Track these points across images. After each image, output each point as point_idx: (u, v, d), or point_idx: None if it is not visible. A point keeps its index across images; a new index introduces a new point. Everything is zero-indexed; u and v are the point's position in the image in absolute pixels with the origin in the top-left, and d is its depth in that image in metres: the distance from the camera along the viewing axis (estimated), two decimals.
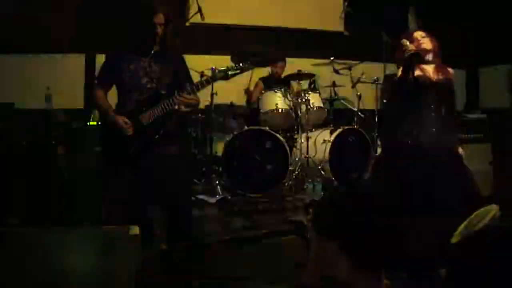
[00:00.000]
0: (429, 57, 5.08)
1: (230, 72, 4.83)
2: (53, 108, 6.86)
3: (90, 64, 8.37)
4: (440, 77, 4.98)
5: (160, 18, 4.68)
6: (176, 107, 4.69)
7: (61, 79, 7.95)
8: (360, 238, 2.08)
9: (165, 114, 4.72)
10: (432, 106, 4.93)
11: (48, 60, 8.11)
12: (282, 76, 8.46)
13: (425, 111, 4.91)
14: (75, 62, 8.34)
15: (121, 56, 4.83)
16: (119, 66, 4.80)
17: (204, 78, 4.90)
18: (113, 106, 4.89)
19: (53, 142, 6.05)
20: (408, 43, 4.88)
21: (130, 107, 4.77)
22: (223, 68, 4.85)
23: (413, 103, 4.90)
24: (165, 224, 4.93)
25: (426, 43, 5.08)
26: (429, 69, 5.00)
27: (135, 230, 3.75)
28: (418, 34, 5.17)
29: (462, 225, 4.72)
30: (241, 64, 4.89)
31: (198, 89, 4.79)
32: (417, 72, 4.95)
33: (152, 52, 4.81)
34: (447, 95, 5.05)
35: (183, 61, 5.09)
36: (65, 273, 3.45)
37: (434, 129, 4.89)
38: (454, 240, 4.66)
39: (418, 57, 4.78)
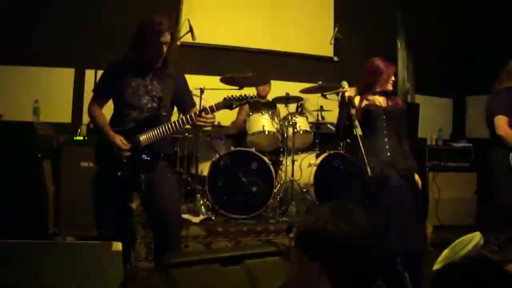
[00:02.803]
0: (384, 90, 5.29)
1: (235, 103, 4.81)
2: (40, 121, 6.84)
3: (79, 79, 8.36)
4: (390, 103, 5.16)
5: (167, 37, 4.62)
6: (177, 130, 4.68)
7: (50, 93, 7.95)
8: (342, 258, 2.10)
9: (165, 137, 4.71)
10: (385, 132, 5.06)
11: (37, 72, 8.09)
12: (270, 99, 8.48)
13: (377, 139, 5.05)
14: (64, 76, 8.33)
15: (123, 70, 4.75)
16: (120, 80, 4.72)
17: (211, 106, 4.82)
18: (108, 120, 4.85)
19: (39, 155, 6.03)
20: (346, 86, 5.11)
21: (128, 126, 4.71)
22: (228, 98, 4.82)
23: (366, 131, 5.01)
24: (148, 243, 4.91)
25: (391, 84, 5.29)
26: (380, 99, 5.18)
27: (118, 246, 3.75)
28: (392, 71, 5.35)
29: (445, 252, 4.76)
30: (246, 95, 4.85)
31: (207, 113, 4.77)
32: (365, 102, 5.12)
33: (154, 69, 4.79)
34: (398, 121, 5.22)
35: (183, 79, 5.06)
36: (47, 287, 3.44)
37: (388, 154, 5.03)
38: (436, 267, 4.70)
39: (350, 104, 4.94)
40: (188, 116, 4.66)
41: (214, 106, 4.74)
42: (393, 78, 5.30)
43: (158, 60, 4.73)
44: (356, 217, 2.21)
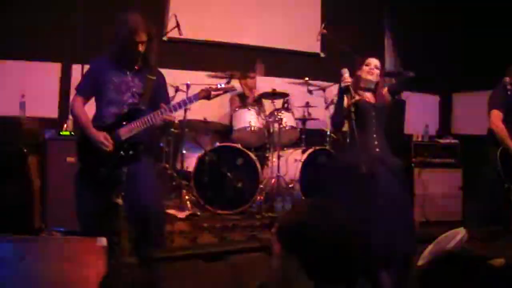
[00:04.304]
0: (372, 86, 5.29)
1: (213, 93, 4.87)
2: (26, 116, 6.83)
3: (65, 74, 8.34)
4: (379, 101, 5.17)
5: (142, 36, 4.68)
6: (156, 122, 4.70)
7: (36, 87, 7.91)
8: (322, 254, 2.12)
9: (144, 129, 4.74)
10: (374, 129, 5.08)
11: (24, 67, 8.05)
12: (256, 94, 8.47)
13: (367, 134, 5.06)
14: (51, 71, 8.30)
15: (106, 67, 4.82)
16: (103, 77, 4.79)
17: (187, 97, 4.93)
18: (90, 117, 4.89)
19: (25, 150, 6.02)
20: (347, 74, 5.10)
21: (109, 121, 4.77)
22: (206, 88, 4.88)
23: (354, 127, 5.02)
24: (134, 237, 4.92)
25: (375, 75, 5.27)
26: (368, 95, 5.18)
27: (103, 241, 3.76)
28: (373, 62, 5.34)
29: (430, 247, 4.79)
30: (223, 85, 4.92)
31: (181, 108, 4.83)
32: (357, 97, 5.12)
33: (135, 67, 4.84)
34: (386, 117, 5.23)
35: (163, 78, 5.11)
36: (32, 281, 3.45)
37: (377, 150, 5.05)
38: (420, 262, 4.74)
39: (348, 92, 4.94)
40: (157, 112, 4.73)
41: (192, 98, 4.90)
42: (370, 67, 5.31)
43: (136, 59, 4.80)
44: (337, 214, 2.23)
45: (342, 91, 5.08)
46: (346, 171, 5.00)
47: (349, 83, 5.03)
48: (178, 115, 7.12)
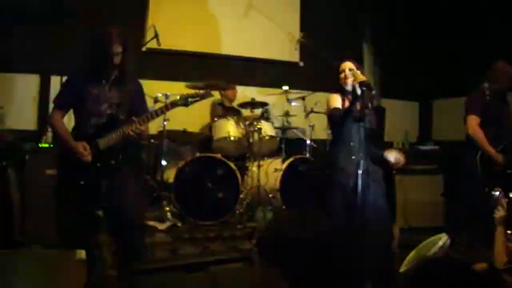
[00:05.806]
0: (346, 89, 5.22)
1: (190, 99, 4.88)
2: (4, 128, 6.79)
3: (44, 85, 8.30)
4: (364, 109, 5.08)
5: (116, 48, 4.69)
6: (132, 133, 4.69)
7: (15, 99, 7.88)
8: (303, 264, 2.12)
9: (123, 139, 4.73)
10: (357, 136, 5.02)
11: (1, 79, 8.00)
12: (236, 104, 8.47)
13: (350, 141, 5.01)
14: (30, 83, 8.25)
15: (84, 79, 4.82)
16: (81, 89, 4.79)
17: (164, 104, 4.94)
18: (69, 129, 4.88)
19: (4, 163, 5.98)
20: (358, 73, 4.96)
21: (88, 132, 4.77)
22: (183, 95, 4.89)
23: (341, 134, 4.99)
24: (114, 249, 4.91)
25: (349, 78, 5.15)
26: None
27: (82, 254, 3.75)
28: (345, 66, 5.25)
29: (412, 253, 4.79)
30: (201, 92, 4.93)
31: (158, 115, 4.83)
32: (346, 103, 5.05)
33: (112, 77, 4.84)
34: (369, 125, 5.16)
35: (141, 87, 5.12)
36: None
37: (358, 158, 5.01)
38: (403, 268, 4.73)
39: (369, 89, 4.79)
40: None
41: (169, 105, 4.91)
42: (345, 73, 5.24)
43: (112, 70, 4.83)
44: (319, 224, 2.24)
45: (360, 88, 4.75)
46: (327, 181, 4.98)
47: (363, 80, 4.74)
48: (158, 126, 7.12)
